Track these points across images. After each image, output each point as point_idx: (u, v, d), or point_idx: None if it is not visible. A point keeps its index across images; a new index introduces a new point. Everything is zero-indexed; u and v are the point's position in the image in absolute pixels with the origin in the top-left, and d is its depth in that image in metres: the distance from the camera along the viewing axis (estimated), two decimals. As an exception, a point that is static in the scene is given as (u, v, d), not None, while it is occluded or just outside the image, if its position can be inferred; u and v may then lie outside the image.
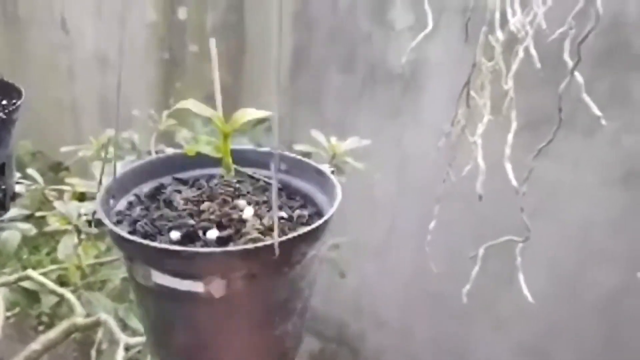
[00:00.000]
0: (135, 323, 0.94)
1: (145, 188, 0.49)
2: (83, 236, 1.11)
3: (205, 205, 0.45)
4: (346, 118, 1.66)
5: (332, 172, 0.50)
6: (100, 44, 2.13)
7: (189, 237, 0.42)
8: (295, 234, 0.40)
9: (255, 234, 0.41)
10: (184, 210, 0.45)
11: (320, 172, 0.49)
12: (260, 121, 1.43)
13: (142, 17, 1.97)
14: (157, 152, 1.43)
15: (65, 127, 2.11)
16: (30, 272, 0.85)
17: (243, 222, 0.43)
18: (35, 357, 0.79)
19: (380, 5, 1.56)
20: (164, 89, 1.97)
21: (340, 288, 1.60)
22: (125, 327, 0.89)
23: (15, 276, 0.87)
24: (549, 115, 1.01)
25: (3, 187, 0.64)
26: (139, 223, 0.43)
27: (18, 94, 0.65)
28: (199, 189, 0.49)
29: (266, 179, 0.50)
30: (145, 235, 0.41)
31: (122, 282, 1.21)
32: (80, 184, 1.13)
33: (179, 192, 0.48)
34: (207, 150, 0.49)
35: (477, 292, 0.86)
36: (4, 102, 0.64)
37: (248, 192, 0.48)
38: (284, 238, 0.39)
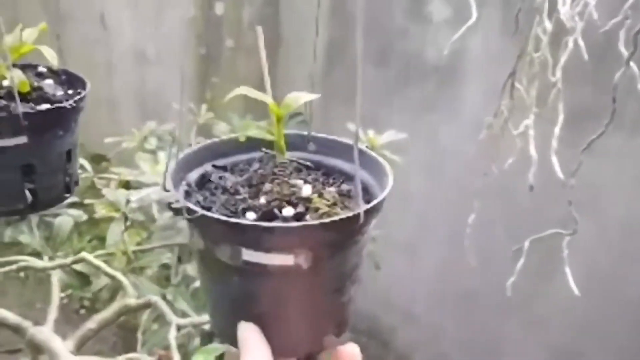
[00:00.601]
0: (182, 305, 0.97)
1: (192, 177, 0.50)
2: (129, 223, 1.15)
3: (267, 187, 0.47)
4: (381, 112, 1.67)
5: (367, 147, 0.52)
6: (138, 39, 2.18)
7: (266, 216, 0.44)
8: (374, 202, 0.43)
9: (326, 209, 0.45)
10: (246, 193, 0.47)
11: (351, 148, 0.50)
12: (294, 115, 1.45)
13: (179, 13, 2.01)
14: (197, 145, 1.47)
15: (104, 120, 2.16)
16: (85, 254, 0.89)
17: (306, 199, 0.46)
18: (90, 335, 0.82)
19: (418, -1, 1.57)
20: (202, 84, 2.01)
21: (371, 281, 1.61)
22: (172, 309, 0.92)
23: (71, 259, 0.91)
24: (593, 108, 1.01)
25: (70, 171, 0.67)
26: (214, 208, 0.45)
27: (82, 84, 0.68)
28: (242, 173, 0.50)
29: (299, 160, 0.52)
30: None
31: (160, 269, 1.25)
32: (126, 173, 1.17)
33: (224, 178, 0.50)
34: (258, 133, 0.51)
35: (512, 288, 0.86)
36: (70, 91, 0.67)
37: (290, 173, 0.50)
38: (367, 207, 0.42)
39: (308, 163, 0.52)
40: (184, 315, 0.91)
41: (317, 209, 0.44)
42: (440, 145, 1.64)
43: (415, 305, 1.83)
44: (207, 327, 0.95)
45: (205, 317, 0.90)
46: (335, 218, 0.42)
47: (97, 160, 1.52)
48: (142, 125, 1.58)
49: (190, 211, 0.42)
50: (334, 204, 0.45)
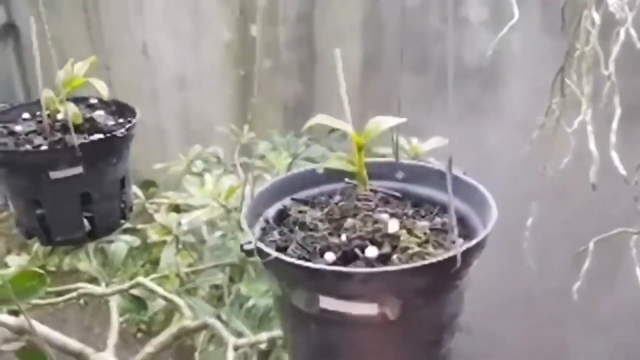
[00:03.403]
0: (237, 325, 0.97)
1: (270, 212, 0.47)
2: (180, 245, 1.17)
3: (348, 223, 0.42)
4: (421, 119, 1.65)
5: (464, 173, 0.48)
6: (180, 65, 2.23)
7: (346, 257, 0.39)
8: (475, 241, 0.38)
9: (417, 248, 0.40)
10: (325, 230, 0.43)
11: (443, 175, 0.46)
12: (334, 129, 1.45)
13: (217, 37, 2.05)
14: (240, 165, 1.48)
15: (151, 146, 2.22)
16: (141, 279, 0.90)
17: (393, 236, 0.41)
18: (149, 359, 0.83)
19: (454, 1, 1.55)
20: (241, 105, 2.04)
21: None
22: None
23: (128, 284, 0.93)
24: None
25: (124, 198, 0.68)
26: (290, 248, 0.41)
27: (132, 112, 0.70)
28: (323, 207, 0.47)
29: (384, 190, 0.48)
30: (300, 260, 0.39)
31: (211, 289, 1.26)
32: (175, 197, 1.19)
33: (304, 212, 0.47)
34: (339, 165, 0.47)
35: (573, 293, 0.82)
36: (121, 120, 0.69)
37: (377, 205, 0.45)
38: (465, 247, 0.36)
39: (396, 193, 0.48)
40: (239, 335, 0.91)
41: (405, 249, 0.39)
42: (486, 149, 1.60)
43: (471, 315, 1.78)
44: (263, 346, 0.95)
45: (262, 336, 0.90)
46: (427, 262, 0.36)
47: (146, 186, 1.56)
48: (188, 149, 1.61)
49: (262, 253, 0.38)
50: (426, 242, 0.40)
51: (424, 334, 0.40)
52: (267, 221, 0.46)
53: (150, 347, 0.86)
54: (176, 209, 1.24)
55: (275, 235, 0.44)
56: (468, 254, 0.36)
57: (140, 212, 1.26)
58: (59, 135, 0.63)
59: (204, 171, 1.42)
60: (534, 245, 0.91)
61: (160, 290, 0.90)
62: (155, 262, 1.31)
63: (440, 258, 0.36)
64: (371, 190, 0.47)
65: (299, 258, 0.40)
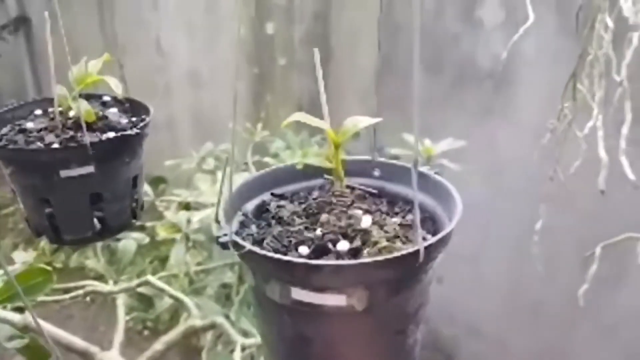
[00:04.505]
0: (245, 325, 0.97)
1: (249, 206, 0.49)
2: (190, 244, 1.17)
3: (323, 218, 0.44)
4: (435, 120, 1.65)
5: (436, 173, 0.49)
6: (194, 62, 2.24)
7: (319, 251, 0.41)
8: (437, 237, 0.39)
9: (385, 242, 0.41)
10: (301, 224, 0.45)
11: (423, 176, 0.48)
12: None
13: (231, 34, 2.06)
14: (253, 163, 1.49)
15: (163, 143, 2.23)
16: (149, 277, 0.91)
17: (365, 231, 0.43)
18: (157, 357, 0.84)
19: (468, 4, 1.54)
20: (256, 102, 2.04)
21: (434, 294, 1.57)
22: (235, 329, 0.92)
23: (136, 282, 0.93)
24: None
25: (135, 197, 0.68)
26: (265, 241, 0.43)
27: (145, 110, 0.69)
28: (301, 202, 0.48)
29: (362, 187, 0.50)
30: (274, 253, 0.41)
31: (219, 288, 1.26)
32: (186, 195, 1.20)
33: (282, 207, 0.48)
34: (316, 161, 0.48)
35: (579, 297, 0.82)
36: (134, 118, 0.69)
37: (353, 201, 0.47)
38: (428, 243, 0.38)
39: (372, 190, 0.49)
40: (246, 335, 0.92)
41: (375, 243, 0.41)
42: (498, 151, 1.59)
43: (480, 317, 1.77)
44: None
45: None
46: (391, 255, 0.38)
47: (156, 182, 1.57)
48: (200, 146, 1.61)
49: (237, 246, 0.40)
50: (395, 237, 0.42)
51: (390, 325, 0.41)
52: (246, 215, 0.48)
53: (159, 345, 0.86)
54: (186, 206, 1.25)
55: (253, 228, 0.46)
56: (431, 249, 0.38)
57: (150, 209, 1.27)
58: (70, 133, 0.63)
59: (215, 169, 1.43)
60: (544, 249, 0.90)
61: (168, 289, 0.90)
62: (163, 260, 1.32)
63: (404, 252, 0.38)
64: (348, 186, 0.48)
65: (274, 251, 0.41)
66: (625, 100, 0.73)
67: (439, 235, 0.39)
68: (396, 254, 0.38)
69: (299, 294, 0.38)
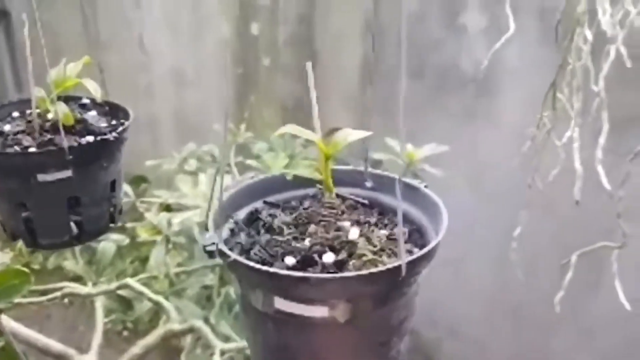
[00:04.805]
0: (225, 329, 0.97)
1: (241, 214, 0.49)
2: (170, 246, 1.16)
3: (312, 229, 0.45)
4: (418, 125, 1.65)
5: (426, 187, 0.50)
6: (177, 61, 2.22)
7: (305, 262, 0.42)
8: (420, 253, 0.40)
9: (370, 256, 0.42)
10: (289, 234, 0.45)
11: (412, 187, 0.49)
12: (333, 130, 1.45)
13: (217, 35, 2.05)
14: (235, 165, 1.48)
15: (145, 142, 2.21)
16: (129, 280, 0.90)
17: (352, 243, 0.43)
18: (136, 359, 0.83)
19: (452, 10, 1.55)
20: (240, 103, 2.03)
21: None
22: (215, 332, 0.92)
23: (115, 284, 0.92)
24: (636, 116, 0.97)
25: (114, 201, 0.68)
26: (253, 251, 0.43)
27: (125, 114, 0.69)
28: (293, 211, 0.49)
29: (354, 197, 0.50)
30: (261, 263, 0.41)
31: (201, 290, 1.25)
32: (167, 196, 1.19)
33: (274, 216, 0.48)
34: (306, 173, 0.49)
35: (560, 301, 0.83)
36: (114, 122, 0.68)
37: (343, 212, 0.48)
38: (410, 258, 0.38)
39: (364, 201, 0.50)
40: (226, 339, 0.91)
41: (361, 256, 0.41)
42: (481, 157, 1.61)
43: (460, 320, 1.79)
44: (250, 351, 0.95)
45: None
46: (373, 270, 0.38)
47: (137, 182, 1.55)
48: (183, 146, 1.60)
49: (223, 255, 0.40)
50: (382, 250, 0.42)
51: (373, 337, 0.42)
52: (236, 223, 0.48)
53: (137, 349, 0.86)
54: (167, 208, 1.24)
55: (242, 237, 0.46)
56: (414, 264, 0.39)
57: (131, 210, 1.25)
58: (48, 136, 0.62)
59: (197, 170, 1.42)
60: (524, 255, 0.91)
61: (147, 292, 0.89)
62: (144, 261, 1.30)
63: (386, 267, 0.38)
64: (339, 196, 0.49)
65: (261, 260, 0.42)
66: (602, 110, 0.74)
67: (423, 251, 0.40)
68: (379, 268, 0.39)
69: (282, 304, 0.39)
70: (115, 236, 1.13)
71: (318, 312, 0.38)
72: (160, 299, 0.90)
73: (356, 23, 1.70)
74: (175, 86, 2.25)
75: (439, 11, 1.58)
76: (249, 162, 1.31)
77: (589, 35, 0.70)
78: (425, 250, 0.40)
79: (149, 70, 2.29)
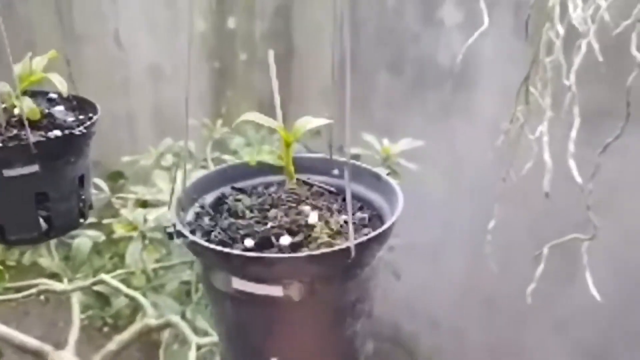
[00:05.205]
0: (202, 324, 0.97)
1: (208, 198, 0.51)
2: (147, 242, 1.15)
3: (272, 213, 0.46)
4: (396, 119, 1.66)
5: (388, 174, 0.51)
6: (154, 56, 2.20)
7: (263, 244, 0.43)
8: (369, 236, 0.41)
9: (325, 238, 0.43)
10: (251, 218, 0.46)
11: (375, 175, 0.50)
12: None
13: (194, 29, 2.03)
14: (212, 160, 1.47)
15: (121, 137, 2.19)
16: (104, 276, 0.89)
17: (310, 227, 0.45)
18: (111, 356, 0.82)
19: (429, 4, 1.56)
20: (216, 98, 2.02)
21: (394, 289, 1.60)
22: (193, 327, 0.92)
23: (90, 281, 0.92)
24: (609, 108, 0.99)
25: (83, 196, 0.67)
26: (213, 233, 0.45)
27: (93, 108, 0.68)
28: (259, 196, 0.50)
29: (321, 185, 0.52)
30: (220, 244, 0.43)
31: (180, 286, 1.25)
32: (144, 192, 1.18)
33: (240, 200, 0.50)
34: (269, 159, 0.51)
35: (533, 293, 0.84)
36: (81, 116, 0.68)
37: (307, 198, 0.49)
38: (359, 240, 0.40)
39: (330, 187, 0.51)
40: (204, 333, 0.91)
41: (316, 239, 0.43)
42: (457, 150, 1.62)
43: (438, 311, 1.81)
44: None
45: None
46: (325, 250, 0.40)
47: (114, 177, 1.53)
48: (159, 141, 1.59)
49: (181, 235, 0.42)
50: (338, 234, 0.44)
51: (327, 316, 0.43)
52: (202, 207, 0.49)
53: (112, 345, 0.85)
54: (144, 204, 1.22)
55: (206, 220, 0.47)
56: (363, 246, 0.40)
57: (108, 206, 1.24)
58: (14, 131, 0.61)
59: (173, 165, 1.41)
60: (499, 247, 0.93)
61: (123, 287, 0.89)
62: (123, 256, 1.29)
63: (335, 249, 0.40)
64: (306, 183, 0.51)
65: (221, 242, 0.43)
66: (574, 104, 0.75)
67: (372, 234, 0.41)
68: (329, 249, 0.40)
69: (239, 284, 0.41)
70: (91, 232, 1.12)
71: (273, 291, 0.40)
72: (136, 294, 0.89)
73: (333, 16, 1.70)
74: (152, 81, 2.23)
75: (417, 6, 1.59)
76: (225, 157, 1.31)
77: (560, 30, 0.70)
78: (374, 233, 0.41)
79: (125, 65, 2.26)
